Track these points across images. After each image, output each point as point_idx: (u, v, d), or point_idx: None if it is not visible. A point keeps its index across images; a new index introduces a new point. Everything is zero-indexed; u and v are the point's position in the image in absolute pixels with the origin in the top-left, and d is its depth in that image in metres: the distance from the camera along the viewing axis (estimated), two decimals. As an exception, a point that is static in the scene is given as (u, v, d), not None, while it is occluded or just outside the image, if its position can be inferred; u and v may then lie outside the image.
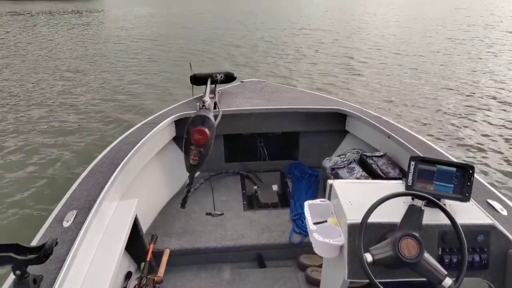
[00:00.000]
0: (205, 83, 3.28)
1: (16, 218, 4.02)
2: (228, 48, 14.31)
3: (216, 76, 3.34)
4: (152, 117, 2.95)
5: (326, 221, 1.70)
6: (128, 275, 2.12)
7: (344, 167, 2.63)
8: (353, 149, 2.89)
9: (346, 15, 26.66)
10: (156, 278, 2.04)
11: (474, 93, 8.53)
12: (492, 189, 1.95)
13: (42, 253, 1.26)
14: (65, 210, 1.77)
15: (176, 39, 16.81)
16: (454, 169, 1.57)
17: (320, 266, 2.24)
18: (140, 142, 2.45)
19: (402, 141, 2.49)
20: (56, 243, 1.40)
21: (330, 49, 13.76)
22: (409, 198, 1.48)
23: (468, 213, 1.58)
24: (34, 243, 1.55)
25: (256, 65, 11.31)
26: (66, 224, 1.66)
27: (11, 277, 1.35)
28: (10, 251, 1.25)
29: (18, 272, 1.26)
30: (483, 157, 5.54)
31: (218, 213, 2.65)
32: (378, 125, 2.78)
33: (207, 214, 2.66)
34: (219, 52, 13.51)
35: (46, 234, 1.61)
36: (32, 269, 1.32)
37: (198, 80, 3.37)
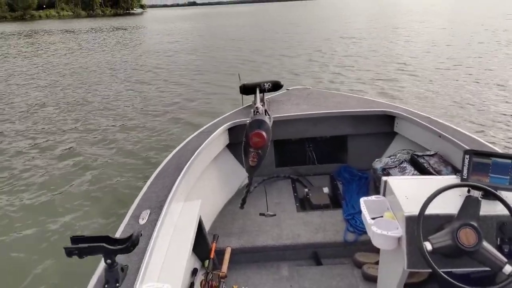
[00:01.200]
0: (254, 92, 3.42)
1: (96, 214, 4.50)
2: (271, 58, 14.62)
3: (264, 85, 3.48)
4: (207, 125, 3.13)
5: (381, 216, 1.77)
6: (195, 271, 2.27)
7: (396, 167, 2.67)
8: (403, 150, 2.91)
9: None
10: (220, 274, 2.17)
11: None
12: None
13: (130, 243, 1.43)
14: (139, 209, 1.95)
15: (223, 51, 17.36)
16: (509, 161, 1.60)
17: (376, 263, 2.29)
18: (199, 149, 2.62)
19: (454, 139, 2.51)
20: (141, 234, 1.56)
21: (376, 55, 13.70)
22: (465, 191, 1.53)
23: None
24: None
25: (301, 73, 11.55)
26: (142, 221, 1.84)
27: (101, 266, 1.52)
28: (103, 241, 1.42)
29: (109, 260, 1.43)
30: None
31: (271, 213, 2.75)
32: (428, 125, 2.80)
33: (260, 214, 2.78)
34: (263, 61, 13.83)
35: (125, 230, 1.78)
36: (119, 260, 1.49)
37: (247, 89, 3.53)
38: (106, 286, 1.45)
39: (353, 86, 9.69)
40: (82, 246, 1.40)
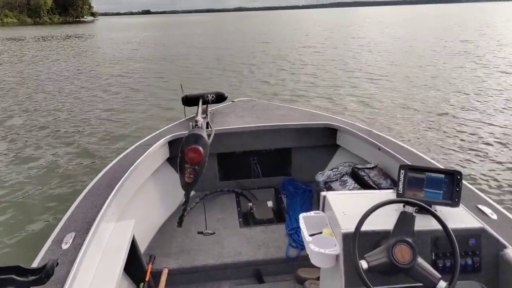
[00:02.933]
0: (197, 104, 3.33)
1: (15, 241, 4.05)
2: (222, 69, 14.58)
3: (208, 97, 3.39)
4: (145, 139, 2.99)
5: (321, 233, 1.73)
6: None
7: (337, 180, 2.68)
8: (345, 162, 2.94)
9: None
10: (156, 298, 2.04)
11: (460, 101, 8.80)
12: (482, 194, 2.00)
13: (44, 274, 1.28)
14: (63, 232, 1.79)
15: (173, 61, 17.11)
16: (442, 175, 1.62)
17: (318, 278, 2.26)
18: (135, 164, 2.48)
19: (392, 152, 2.55)
20: (57, 263, 1.41)
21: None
22: (401, 206, 1.52)
23: (459, 218, 1.62)
24: (34, 265, 1.56)
25: (248, 85, 11.52)
26: (65, 246, 1.68)
27: None
28: (12, 273, 1.26)
29: None
30: (472, 164, 5.67)
31: (210, 232, 2.63)
32: (369, 138, 2.84)
33: (198, 233, 2.63)
34: (209, 72, 13.74)
35: (45, 256, 1.62)
36: None
37: (189, 101, 3.42)
38: None
39: (300, 97, 9.85)
40: None
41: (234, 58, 17.46)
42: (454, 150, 6.15)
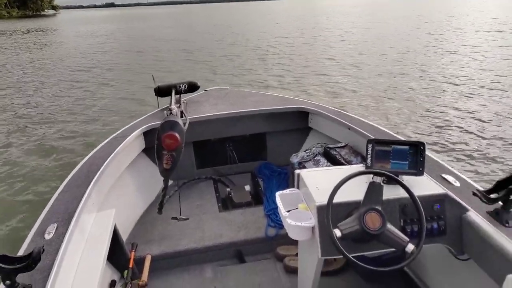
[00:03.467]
0: (170, 94, 3.34)
1: None
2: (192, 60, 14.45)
3: (180, 86, 3.40)
4: (120, 130, 3.00)
5: (297, 208, 1.82)
6: (113, 283, 2.16)
7: (310, 160, 2.77)
8: (317, 143, 3.04)
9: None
10: (140, 283, 2.09)
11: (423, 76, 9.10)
12: (446, 164, 2.13)
13: (31, 261, 1.31)
14: (45, 223, 1.81)
15: (141, 54, 16.79)
16: (407, 147, 1.73)
17: (296, 255, 2.36)
18: (112, 155, 2.49)
19: (361, 130, 2.67)
20: (43, 250, 1.45)
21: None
22: (370, 177, 1.62)
23: (424, 186, 1.74)
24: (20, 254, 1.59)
25: (221, 73, 11.57)
26: (48, 236, 1.70)
27: None
28: None
29: (8, 281, 1.31)
30: (436, 136, 5.94)
31: (184, 217, 2.66)
32: (339, 119, 2.95)
33: (172, 218, 2.67)
34: (177, 64, 13.61)
35: (29, 246, 1.64)
36: (21, 279, 1.36)
37: (162, 91, 3.42)
38: None
39: (272, 84, 9.93)
40: None
41: (204, 49, 17.32)
42: (420, 126, 6.41)
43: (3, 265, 1.27)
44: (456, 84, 8.99)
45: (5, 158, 6.03)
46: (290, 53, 15.20)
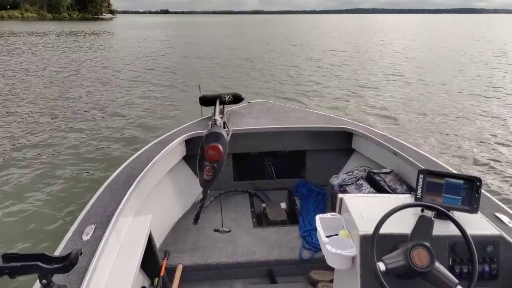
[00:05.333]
0: (214, 104, 3.36)
1: (37, 231, 4.18)
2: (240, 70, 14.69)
3: (225, 97, 3.42)
4: (163, 136, 3.03)
5: (337, 235, 1.74)
6: None
7: (352, 183, 2.68)
8: (360, 166, 2.94)
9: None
10: (170, 293, 2.07)
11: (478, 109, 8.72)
12: (499, 203, 1.99)
13: (68, 262, 1.31)
14: (84, 224, 1.83)
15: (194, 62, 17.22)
16: (461, 181, 1.63)
17: (331, 281, 2.26)
18: (153, 161, 2.51)
19: (409, 158, 2.55)
20: (81, 253, 1.45)
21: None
22: (419, 210, 1.53)
23: (477, 225, 1.62)
24: (56, 254, 1.60)
25: (266, 87, 11.67)
26: (85, 237, 1.72)
27: (37, 286, 1.39)
28: (37, 260, 1.30)
29: (44, 281, 1.31)
30: (491, 173, 5.62)
31: (226, 230, 2.66)
32: (385, 143, 2.84)
33: (215, 230, 2.67)
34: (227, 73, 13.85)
35: (67, 246, 1.66)
36: (56, 279, 1.37)
37: (207, 101, 3.46)
38: None
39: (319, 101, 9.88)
40: (14, 265, 1.27)
41: (257, 61, 17.53)
42: (473, 159, 6.11)
43: (41, 264, 1.28)
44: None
45: (52, 156, 6.26)
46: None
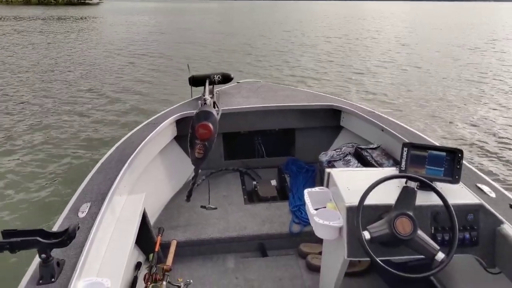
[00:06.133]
0: (203, 84, 3.38)
1: (33, 209, 4.24)
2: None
3: (214, 77, 3.44)
4: (154, 117, 3.05)
5: (325, 207, 1.81)
6: (138, 265, 2.21)
7: (340, 159, 2.75)
8: (348, 143, 3.01)
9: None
10: (165, 267, 2.13)
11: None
12: (482, 174, 2.07)
13: (66, 236, 1.36)
14: (79, 202, 1.87)
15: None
16: (444, 153, 1.69)
17: (320, 253, 2.35)
18: (145, 141, 2.55)
19: (395, 133, 2.62)
20: (78, 227, 1.50)
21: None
22: (403, 182, 1.59)
23: (458, 194, 1.69)
24: (54, 230, 1.65)
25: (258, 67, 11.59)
26: (81, 214, 1.76)
27: (36, 261, 1.44)
28: (36, 235, 1.35)
29: (43, 255, 1.36)
30: (474, 145, 5.76)
31: (212, 206, 2.72)
32: (372, 119, 2.90)
33: (201, 207, 2.73)
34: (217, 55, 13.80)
35: (64, 222, 1.70)
36: (54, 254, 1.42)
37: (196, 81, 3.47)
38: (40, 281, 1.38)
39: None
40: (14, 240, 1.32)
41: (251, 46, 17.35)
42: (458, 133, 6.24)
43: (40, 239, 1.33)
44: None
45: (45, 137, 6.27)
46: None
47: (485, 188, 1.88)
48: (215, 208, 2.75)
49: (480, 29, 26.47)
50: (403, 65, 12.58)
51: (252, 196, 3.15)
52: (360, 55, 14.53)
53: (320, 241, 1.99)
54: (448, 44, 18.12)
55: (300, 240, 2.59)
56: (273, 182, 3.25)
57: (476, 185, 1.90)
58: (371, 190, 1.53)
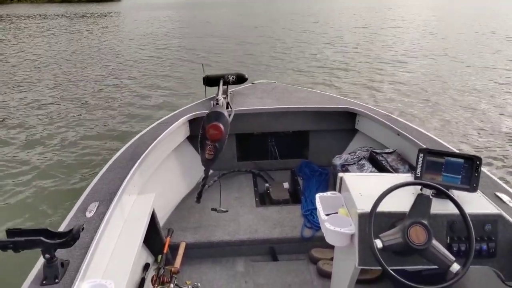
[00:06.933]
0: (217, 84, 3.36)
1: (41, 207, 4.28)
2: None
3: (228, 77, 3.42)
4: (166, 116, 3.04)
5: (336, 213, 1.76)
6: (146, 267, 2.20)
7: (354, 163, 2.69)
8: (363, 147, 2.95)
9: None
10: (173, 269, 2.10)
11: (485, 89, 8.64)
12: (500, 182, 1.99)
13: (70, 237, 1.35)
14: (87, 201, 1.86)
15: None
16: (462, 160, 1.62)
17: (331, 259, 2.30)
18: (157, 140, 2.53)
19: (411, 137, 2.54)
20: (83, 228, 1.48)
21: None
22: (418, 189, 1.53)
23: (476, 203, 1.62)
24: (60, 230, 1.63)
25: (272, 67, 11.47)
26: (89, 214, 1.75)
27: (40, 261, 1.43)
28: (40, 235, 1.33)
29: (47, 255, 1.35)
30: (493, 153, 5.60)
31: (223, 209, 2.68)
32: (388, 123, 2.83)
33: (212, 209, 2.70)
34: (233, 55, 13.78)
35: (71, 222, 1.69)
36: (59, 255, 1.40)
37: (210, 81, 3.45)
38: (44, 282, 1.36)
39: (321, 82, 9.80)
40: (18, 239, 1.31)
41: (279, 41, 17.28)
42: (475, 139, 6.08)
43: (44, 239, 1.32)
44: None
45: (59, 135, 6.34)
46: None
47: (505, 197, 1.80)
48: (226, 211, 2.72)
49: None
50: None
51: (264, 199, 3.11)
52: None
53: (332, 246, 1.94)
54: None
55: (311, 245, 2.54)
56: (286, 185, 3.20)
57: (495, 194, 1.83)
58: (384, 197, 1.47)
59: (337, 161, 2.84)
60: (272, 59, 12.45)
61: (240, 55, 13.26)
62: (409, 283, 1.38)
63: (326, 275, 2.31)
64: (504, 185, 1.97)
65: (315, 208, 2.70)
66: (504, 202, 1.76)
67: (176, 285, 2.04)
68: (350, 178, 1.80)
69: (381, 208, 1.48)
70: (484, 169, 1.94)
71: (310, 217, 2.68)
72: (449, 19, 24.59)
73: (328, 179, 3.24)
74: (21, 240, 1.31)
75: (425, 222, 1.42)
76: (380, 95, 8.36)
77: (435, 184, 1.49)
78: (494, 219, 1.57)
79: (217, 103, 2.73)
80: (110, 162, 2.29)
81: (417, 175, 1.66)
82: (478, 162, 1.60)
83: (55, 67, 11.92)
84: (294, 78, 9.87)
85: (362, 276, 2.23)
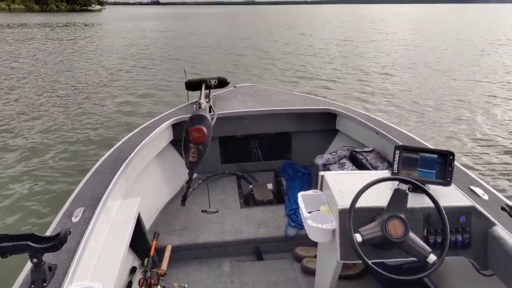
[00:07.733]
0: (200, 89, 3.39)
1: (27, 213, 4.26)
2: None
3: (210, 82, 3.45)
4: (150, 121, 3.06)
5: (318, 210, 1.81)
6: (133, 270, 2.21)
7: (335, 163, 2.75)
8: (344, 146, 3.01)
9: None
10: (160, 272, 2.13)
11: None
12: (474, 176, 2.07)
13: (58, 241, 1.36)
14: (73, 206, 1.87)
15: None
16: (435, 156, 1.69)
17: (315, 256, 2.35)
18: (140, 145, 2.55)
19: (390, 136, 2.62)
20: (70, 232, 1.49)
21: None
22: (395, 184, 1.59)
23: (450, 197, 1.69)
24: (47, 234, 1.65)
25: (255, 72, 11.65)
26: (75, 219, 1.76)
27: (28, 266, 1.44)
28: (27, 240, 1.35)
29: (35, 260, 1.36)
30: (468, 148, 5.78)
31: (213, 210, 2.72)
32: (367, 123, 2.91)
33: (202, 211, 2.74)
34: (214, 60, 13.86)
35: (57, 227, 1.70)
36: (47, 259, 1.42)
37: (192, 85, 3.48)
38: (32, 286, 1.37)
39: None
40: (5, 245, 1.32)
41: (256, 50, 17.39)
42: (452, 137, 6.26)
43: (31, 244, 1.33)
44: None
45: (38, 142, 6.31)
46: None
47: (478, 190, 1.88)
48: (216, 212, 2.75)
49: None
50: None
51: (248, 200, 3.15)
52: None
53: (315, 244, 1.99)
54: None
55: (295, 243, 2.59)
56: (270, 186, 3.25)
57: (469, 187, 1.90)
58: (362, 193, 1.53)
59: (319, 161, 2.90)
60: (259, 69, 12.64)
61: (227, 65, 13.41)
62: (389, 274, 1.43)
63: (310, 272, 2.36)
64: (477, 178, 2.05)
65: (298, 208, 2.77)
66: (477, 195, 1.84)
67: (163, 287, 2.06)
68: (331, 177, 1.86)
69: (360, 203, 1.53)
70: (458, 164, 2.02)
71: (294, 216, 2.74)
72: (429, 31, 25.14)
73: (310, 179, 3.30)
74: (8, 245, 1.31)
75: (402, 215, 1.48)
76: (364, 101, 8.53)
77: (410, 179, 1.55)
78: (468, 211, 1.64)
79: (200, 107, 2.77)
80: (94, 167, 2.30)
81: (394, 171, 1.73)
82: (451, 157, 1.67)
83: (38, 75, 11.85)
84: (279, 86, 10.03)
85: (345, 272, 2.30)
